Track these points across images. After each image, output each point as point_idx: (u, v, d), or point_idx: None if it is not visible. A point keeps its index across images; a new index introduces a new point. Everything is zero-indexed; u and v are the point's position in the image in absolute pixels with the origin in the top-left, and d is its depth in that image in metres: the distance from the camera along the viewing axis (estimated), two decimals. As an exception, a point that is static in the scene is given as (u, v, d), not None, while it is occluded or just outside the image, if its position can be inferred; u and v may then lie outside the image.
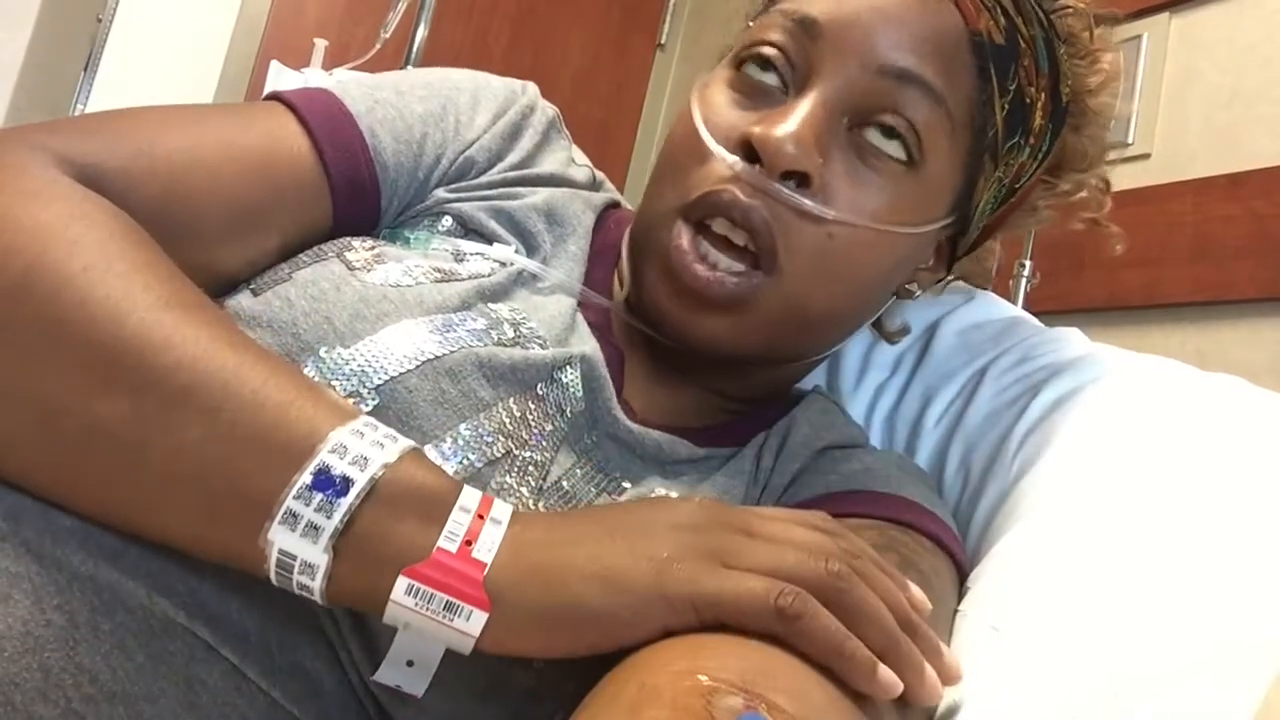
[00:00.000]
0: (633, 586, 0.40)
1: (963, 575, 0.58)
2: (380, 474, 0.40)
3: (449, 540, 0.40)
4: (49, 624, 0.41)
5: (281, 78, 1.64)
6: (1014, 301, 1.30)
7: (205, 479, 0.40)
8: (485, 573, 0.39)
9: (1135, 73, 1.47)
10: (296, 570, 0.40)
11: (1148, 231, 1.38)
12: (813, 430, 0.64)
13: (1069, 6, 0.65)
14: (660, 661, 0.42)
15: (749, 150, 0.56)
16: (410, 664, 0.42)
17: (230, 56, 2.23)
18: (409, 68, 1.70)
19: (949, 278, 0.76)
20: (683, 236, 0.57)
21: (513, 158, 0.65)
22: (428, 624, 0.39)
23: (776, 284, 0.57)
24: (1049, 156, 0.66)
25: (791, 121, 0.56)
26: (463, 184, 0.63)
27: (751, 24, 0.64)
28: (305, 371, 0.49)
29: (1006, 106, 0.60)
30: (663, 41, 2.74)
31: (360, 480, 0.40)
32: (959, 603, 0.56)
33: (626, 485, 0.56)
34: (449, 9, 2.25)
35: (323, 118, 0.58)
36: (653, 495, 0.56)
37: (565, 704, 0.48)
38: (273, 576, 0.40)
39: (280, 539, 0.39)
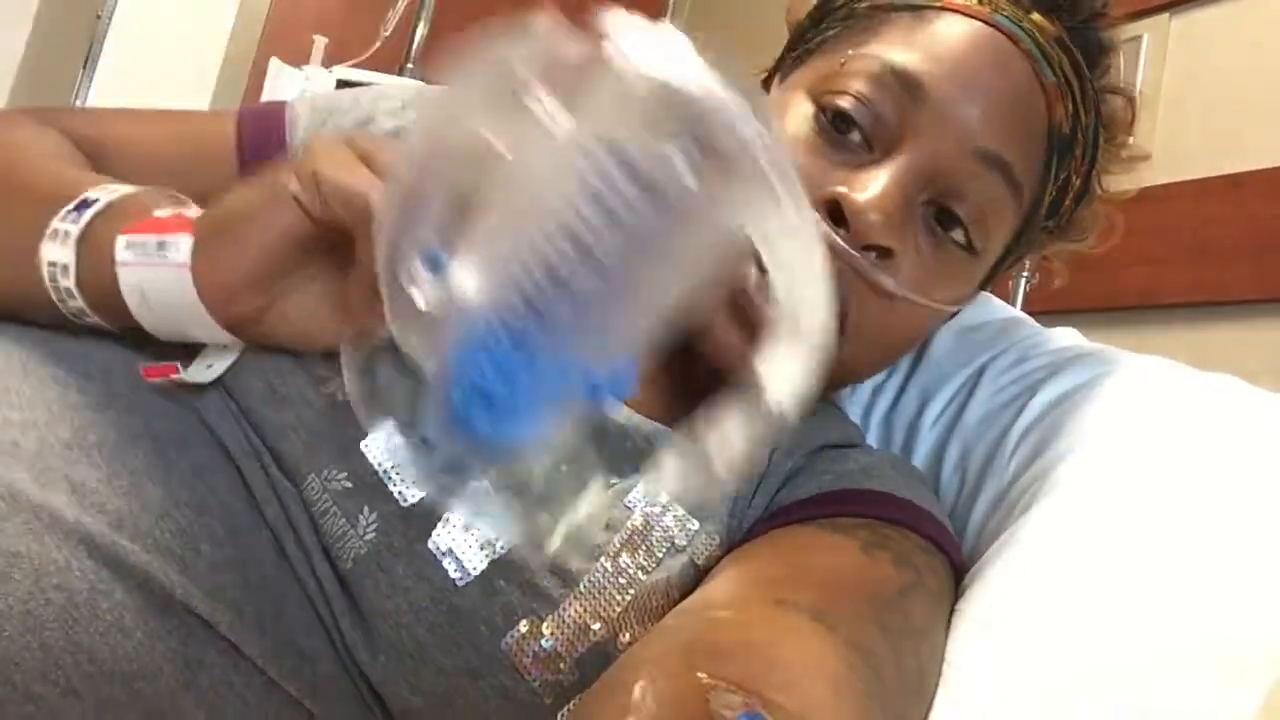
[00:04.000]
0: (273, 180, 0.45)
1: (959, 575, 0.58)
2: (120, 196, 0.47)
3: (161, 212, 0.46)
4: (48, 603, 0.41)
5: (281, 75, 1.64)
6: (1012, 302, 1.30)
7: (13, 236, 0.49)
8: (191, 218, 0.46)
9: (1135, 74, 1.47)
10: (58, 275, 0.47)
11: (1146, 232, 1.38)
12: (808, 429, 0.64)
13: (1117, 90, 0.65)
14: (659, 659, 0.42)
15: (835, 210, 0.55)
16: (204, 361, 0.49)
17: (229, 53, 2.22)
18: (409, 65, 1.70)
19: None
20: (753, 270, 0.55)
21: None
22: (151, 272, 0.45)
23: (836, 345, 0.57)
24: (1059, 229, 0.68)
25: (882, 191, 0.55)
26: None
27: (831, 37, 0.62)
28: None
29: (1053, 193, 0.61)
30: (662, 40, 2.74)
31: (103, 198, 0.47)
32: (956, 602, 0.56)
33: (614, 479, 0.56)
34: (449, 7, 2.25)
35: (257, 106, 0.68)
36: (638, 487, 0.56)
37: (556, 684, 0.48)
38: (48, 289, 0.47)
39: (46, 251, 0.47)
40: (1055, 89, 0.59)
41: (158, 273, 0.45)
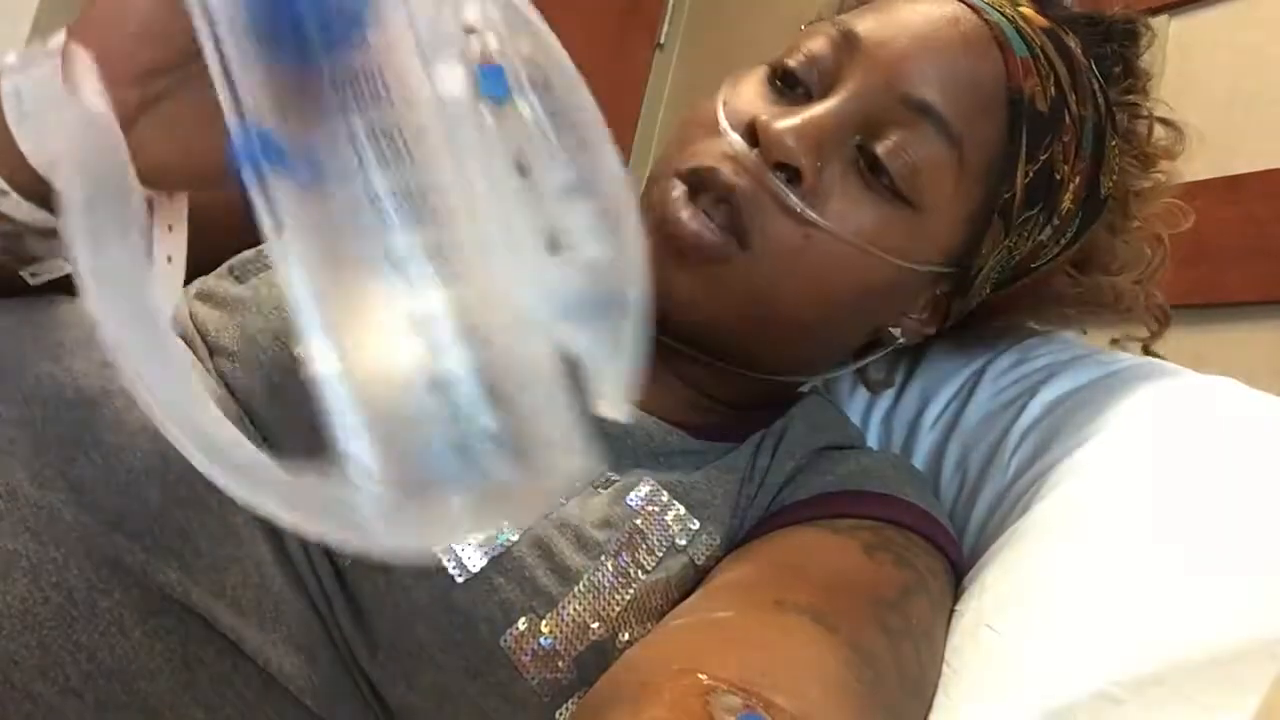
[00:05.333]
0: None
1: (959, 575, 0.59)
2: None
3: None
4: (47, 601, 0.41)
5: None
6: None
7: None
8: None
9: (1133, 75, 1.47)
10: None
11: (1145, 233, 1.38)
12: (810, 430, 0.64)
13: (1139, 106, 0.66)
14: (659, 660, 0.42)
15: (753, 135, 0.57)
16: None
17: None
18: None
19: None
20: (676, 190, 0.57)
21: None
22: (29, 70, 0.37)
23: (748, 261, 0.57)
24: (1074, 246, 0.66)
25: (799, 118, 0.56)
26: None
27: (803, 28, 0.64)
28: (297, 350, 0.50)
29: (1030, 174, 0.59)
30: (662, 41, 2.74)
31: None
32: (955, 603, 0.56)
33: (614, 477, 0.56)
34: (448, 8, 2.25)
35: None
36: (639, 486, 0.56)
37: (555, 683, 0.48)
38: None
39: None
40: (1026, 63, 0.59)
41: (35, 68, 0.38)
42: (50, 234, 0.42)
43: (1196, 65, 1.45)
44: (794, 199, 0.56)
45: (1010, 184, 0.59)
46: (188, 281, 0.58)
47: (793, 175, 0.56)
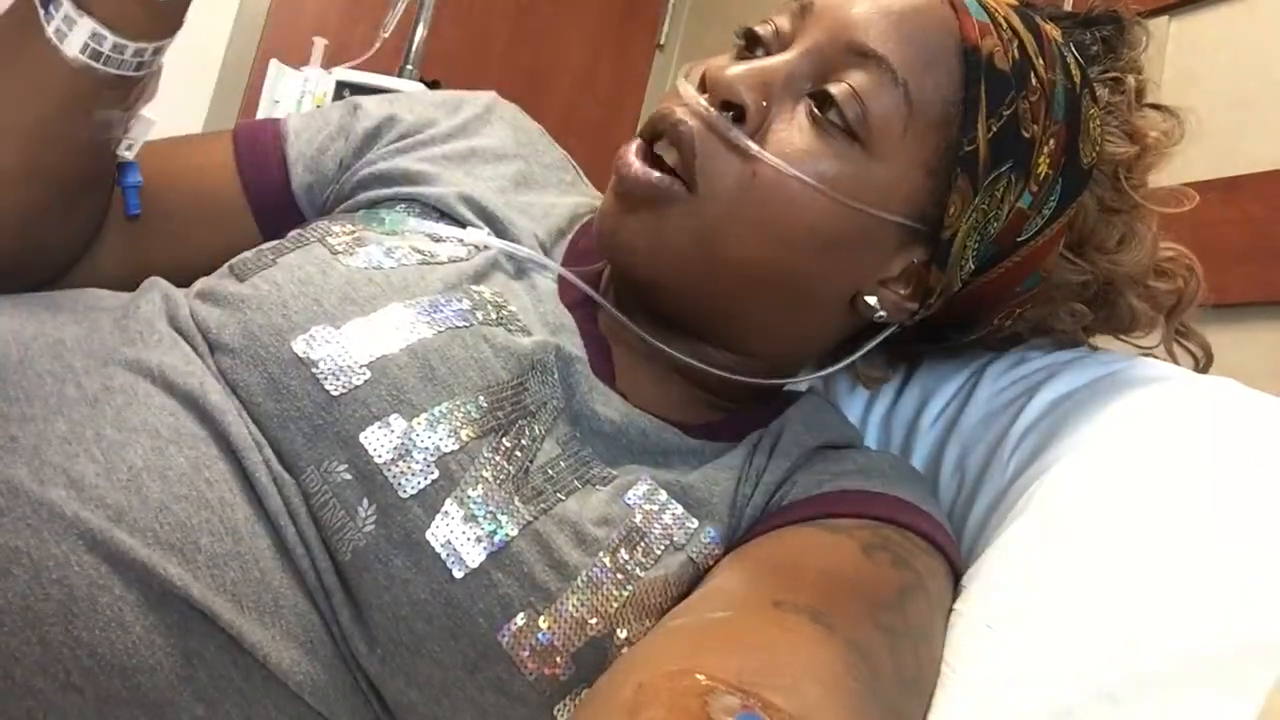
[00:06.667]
0: None
1: (957, 575, 0.58)
2: None
3: None
4: (47, 598, 0.42)
5: (281, 76, 1.63)
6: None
7: None
8: None
9: (1133, 76, 1.48)
10: (101, 45, 0.52)
11: (1145, 234, 1.38)
12: (806, 429, 0.64)
13: (1120, 80, 0.66)
14: (657, 661, 0.42)
15: (705, 85, 0.59)
16: None
17: (229, 55, 2.23)
18: (408, 67, 1.70)
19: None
20: (633, 144, 0.60)
21: (451, 121, 0.69)
22: None
23: (692, 203, 0.57)
24: (1060, 217, 0.64)
25: (747, 65, 0.58)
26: (401, 143, 0.67)
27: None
28: (297, 346, 0.51)
29: (994, 129, 0.58)
30: (662, 41, 2.74)
31: None
32: (954, 602, 0.56)
33: (613, 474, 0.56)
34: (448, 8, 2.25)
35: (250, 122, 0.70)
36: (637, 484, 0.56)
37: (553, 679, 0.48)
38: (101, 76, 0.52)
39: (68, 49, 0.51)
40: (984, 25, 0.59)
41: None
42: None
43: (1196, 67, 1.45)
44: (737, 133, 0.56)
45: (971, 137, 0.58)
46: (187, 284, 0.58)
47: (739, 114, 0.57)
